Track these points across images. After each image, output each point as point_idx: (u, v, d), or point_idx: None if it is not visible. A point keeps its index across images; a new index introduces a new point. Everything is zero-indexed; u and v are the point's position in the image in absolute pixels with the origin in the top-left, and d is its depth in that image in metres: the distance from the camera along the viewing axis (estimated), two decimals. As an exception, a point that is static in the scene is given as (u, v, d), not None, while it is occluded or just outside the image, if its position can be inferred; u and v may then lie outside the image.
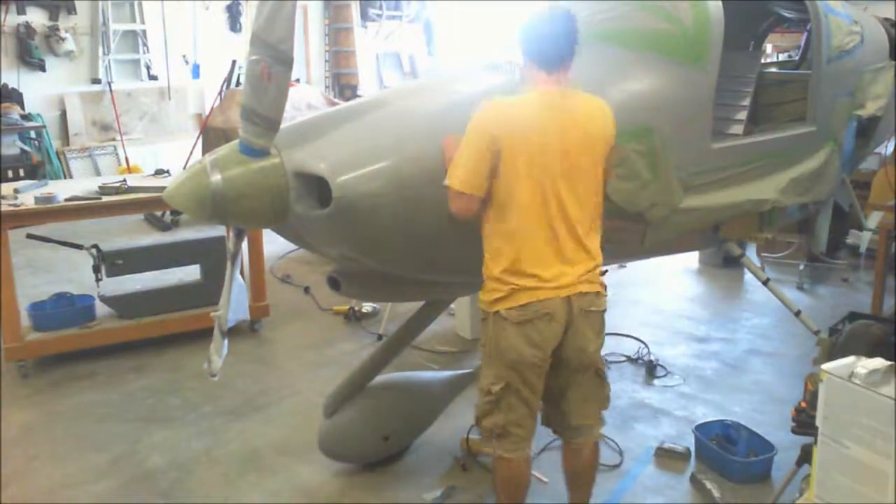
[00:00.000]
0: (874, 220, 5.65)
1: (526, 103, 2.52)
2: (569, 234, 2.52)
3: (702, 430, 3.51)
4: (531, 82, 2.57)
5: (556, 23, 2.52)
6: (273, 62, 2.37)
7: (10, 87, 8.63)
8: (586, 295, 2.56)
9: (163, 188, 2.77)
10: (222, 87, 8.38)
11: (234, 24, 10.70)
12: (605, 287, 2.66)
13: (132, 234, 7.20)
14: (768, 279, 4.05)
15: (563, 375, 2.64)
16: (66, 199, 4.32)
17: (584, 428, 2.75)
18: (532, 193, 2.45)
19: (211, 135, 7.47)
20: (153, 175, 5.10)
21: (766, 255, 6.33)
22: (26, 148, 8.32)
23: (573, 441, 2.78)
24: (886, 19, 5.18)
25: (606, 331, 4.89)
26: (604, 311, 2.64)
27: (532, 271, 2.48)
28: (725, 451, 3.37)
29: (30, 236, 4.72)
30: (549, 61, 2.51)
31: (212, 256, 4.71)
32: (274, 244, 5.71)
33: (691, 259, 6.40)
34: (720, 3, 3.36)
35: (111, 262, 4.55)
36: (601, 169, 2.61)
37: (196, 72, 10.29)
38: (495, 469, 2.70)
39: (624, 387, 4.20)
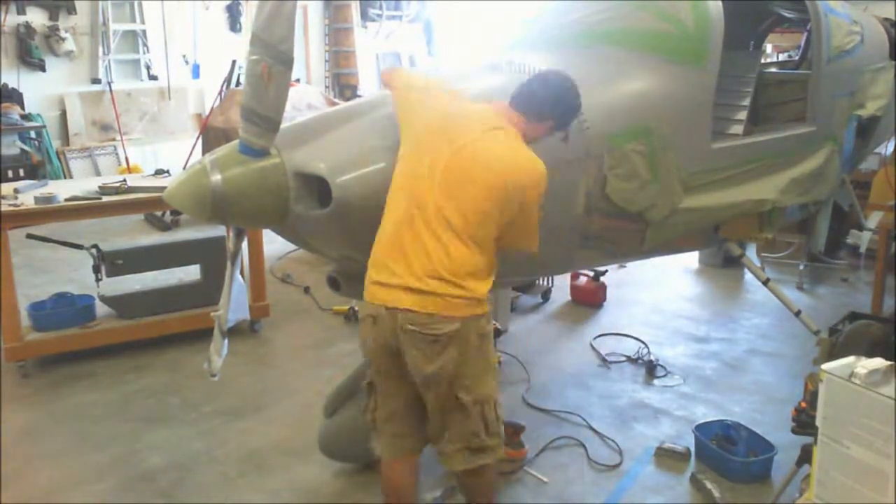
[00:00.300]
0: (874, 220, 5.65)
1: (471, 104, 2.60)
2: (424, 242, 2.34)
3: (702, 430, 3.51)
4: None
5: (549, 81, 2.55)
6: (273, 62, 2.37)
7: (10, 87, 8.62)
8: (412, 312, 2.33)
9: (163, 188, 2.77)
10: (222, 87, 8.38)
11: (234, 24, 10.70)
12: (460, 309, 2.36)
13: (132, 234, 7.19)
14: (768, 279, 4.05)
15: (424, 392, 2.48)
16: (66, 199, 4.32)
17: (444, 456, 2.55)
18: (405, 179, 2.42)
19: (211, 135, 7.47)
20: (153, 175, 5.09)
21: (766, 255, 6.33)
22: (26, 148, 8.32)
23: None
24: (886, 19, 5.19)
25: (607, 331, 4.89)
26: (438, 335, 2.34)
27: (375, 266, 2.43)
28: (725, 451, 3.36)
29: (30, 236, 4.72)
30: (519, 102, 2.53)
31: (212, 256, 4.70)
32: (274, 244, 5.70)
33: (691, 259, 6.39)
34: (720, 3, 3.36)
35: (111, 262, 4.54)
36: (495, 213, 2.37)
37: (196, 72, 10.28)
38: None
39: (624, 387, 4.20)
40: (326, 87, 11.82)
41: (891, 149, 6.00)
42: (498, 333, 4.40)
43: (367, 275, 2.45)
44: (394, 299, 2.36)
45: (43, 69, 8.89)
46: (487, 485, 2.66)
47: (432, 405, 2.49)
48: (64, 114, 9.16)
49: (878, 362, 1.69)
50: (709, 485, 3.19)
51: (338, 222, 2.55)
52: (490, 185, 2.35)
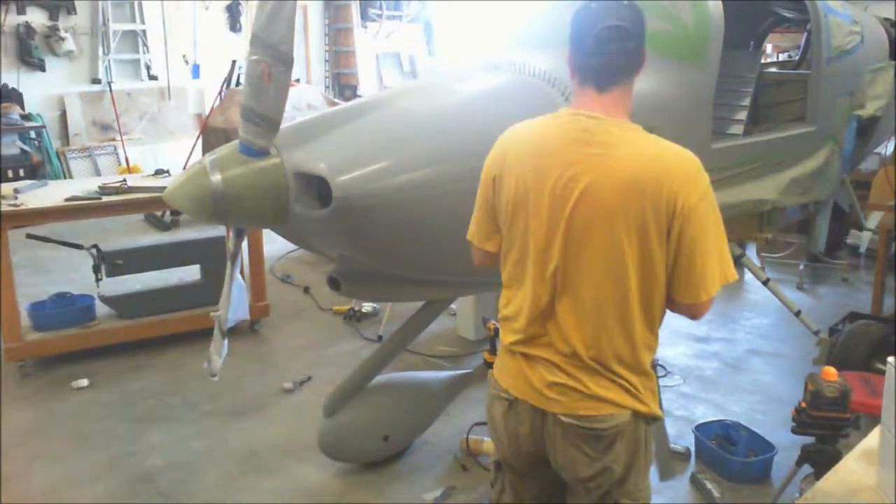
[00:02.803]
0: (874, 220, 5.65)
1: (537, 127, 1.86)
2: (559, 322, 1.79)
3: (702, 430, 3.51)
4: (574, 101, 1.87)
5: (602, 19, 1.84)
6: (273, 62, 2.37)
7: (10, 87, 8.62)
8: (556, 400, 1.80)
9: (163, 188, 2.77)
10: (222, 87, 8.38)
11: (234, 24, 10.70)
12: (631, 396, 1.79)
13: (132, 234, 7.19)
14: (768, 279, 4.05)
15: (571, 495, 1.96)
16: (66, 199, 4.32)
17: None
18: (519, 247, 1.84)
19: (211, 135, 7.47)
20: (153, 175, 5.09)
21: (766, 255, 6.33)
22: (26, 148, 8.32)
23: None
24: (886, 19, 5.19)
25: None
26: (605, 429, 1.77)
27: (508, 346, 1.88)
28: (725, 451, 3.36)
29: (30, 236, 4.72)
30: (590, 76, 1.82)
31: (212, 256, 4.70)
32: (274, 244, 5.70)
33: (691, 259, 6.38)
34: (720, 3, 3.36)
35: (111, 262, 4.54)
36: (645, 254, 1.71)
37: (196, 72, 10.28)
38: None
39: (624, 387, 4.20)
40: (326, 87, 11.81)
41: (891, 149, 6.00)
42: (498, 333, 4.40)
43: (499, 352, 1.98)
44: (533, 392, 1.85)
45: (43, 69, 8.89)
46: None
47: None
48: (64, 114, 9.16)
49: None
50: (709, 485, 3.19)
51: (338, 222, 2.54)
52: (624, 216, 1.72)
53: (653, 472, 3.34)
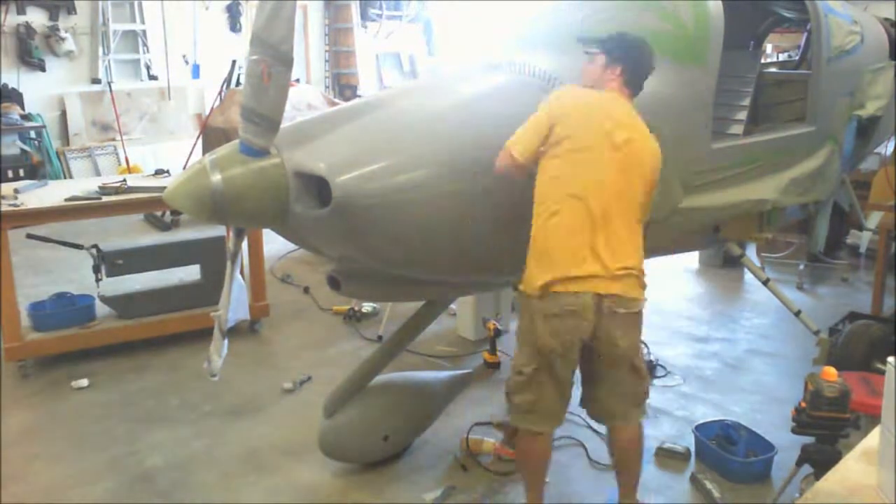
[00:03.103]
0: (874, 220, 5.65)
1: (590, 94, 2.74)
2: (606, 231, 2.57)
3: (702, 430, 3.51)
4: (597, 82, 2.76)
5: (649, 54, 2.79)
6: (273, 62, 2.38)
7: (10, 87, 8.63)
8: (619, 296, 2.61)
9: (163, 188, 2.77)
10: (222, 87, 8.38)
11: (234, 24, 10.70)
12: (642, 287, 2.73)
13: (132, 234, 7.19)
14: (768, 279, 4.05)
15: (597, 366, 2.75)
16: (66, 199, 4.32)
17: (616, 417, 2.84)
18: (573, 179, 2.57)
19: (211, 135, 7.47)
20: (153, 175, 5.09)
21: (766, 255, 6.33)
22: (26, 148, 8.32)
23: (609, 425, 2.89)
24: (886, 19, 5.19)
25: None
26: (636, 311, 2.71)
27: (564, 265, 2.55)
28: (725, 451, 3.36)
29: (30, 236, 4.72)
30: (633, 81, 2.77)
31: (212, 256, 4.70)
32: (274, 244, 5.70)
33: (691, 259, 6.39)
34: (720, 3, 3.36)
35: (111, 262, 4.54)
36: (647, 188, 2.70)
37: (196, 72, 10.29)
38: (518, 446, 2.90)
39: (624, 387, 4.20)
40: (326, 87, 11.82)
41: (891, 149, 6.00)
42: (498, 333, 4.41)
43: (541, 276, 2.57)
44: (603, 287, 2.57)
45: (43, 69, 8.90)
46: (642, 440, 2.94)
47: (613, 378, 2.76)
48: (64, 114, 9.16)
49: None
50: (709, 485, 3.19)
51: (338, 222, 2.55)
52: (646, 181, 2.68)
53: (653, 472, 3.35)
